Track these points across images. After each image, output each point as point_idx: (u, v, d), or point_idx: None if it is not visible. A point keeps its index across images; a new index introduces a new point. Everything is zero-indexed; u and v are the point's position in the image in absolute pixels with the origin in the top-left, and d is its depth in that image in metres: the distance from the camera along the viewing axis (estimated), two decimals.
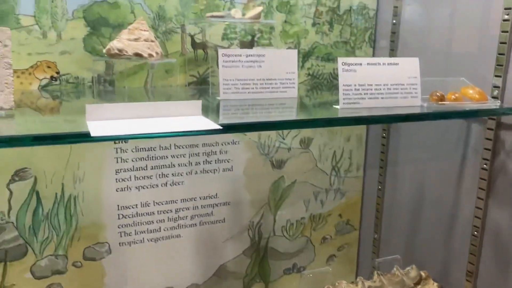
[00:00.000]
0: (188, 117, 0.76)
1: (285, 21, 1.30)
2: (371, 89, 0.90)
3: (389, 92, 0.92)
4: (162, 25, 1.17)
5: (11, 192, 1.11)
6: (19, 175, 1.12)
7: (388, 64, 0.92)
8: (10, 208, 1.12)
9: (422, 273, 1.19)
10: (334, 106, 0.92)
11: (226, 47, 1.25)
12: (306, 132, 1.40)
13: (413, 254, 1.34)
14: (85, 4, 1.09)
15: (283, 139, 1.38)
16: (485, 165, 1.06)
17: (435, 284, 1.17)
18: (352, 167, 1.49)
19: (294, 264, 1.48)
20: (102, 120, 0.69)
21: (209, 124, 0.70)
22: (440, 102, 0.93)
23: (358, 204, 1.53)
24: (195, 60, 1.24)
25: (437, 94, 0.94)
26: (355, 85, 0.89)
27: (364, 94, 0.90)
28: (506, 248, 1.04)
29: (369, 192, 1.50)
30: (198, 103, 0.78)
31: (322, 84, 1.38)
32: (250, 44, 1.27)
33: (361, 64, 0.89)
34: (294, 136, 1.39)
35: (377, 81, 0.90)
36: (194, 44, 1.22)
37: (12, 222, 1.13)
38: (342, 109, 0.88)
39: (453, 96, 0.94)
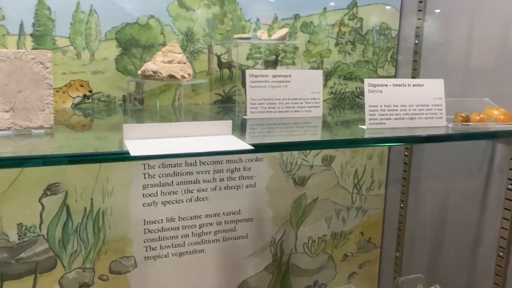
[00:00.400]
0: (219, 136, 0.79)
1: (309, 41, 1.33)
2: (397, 110, 0.92)
3: (414, 112, 0.94)
4: (190, 46, 1.21)
5: (43, 206, 1.15)
6: (51, 189, 1.16)
7: (413, 85, 0.93)
8: (41, 222, 1.16)
9: None
10: (360, 126, 0.93)
11: (251, 67, 1.28)
12: (328, 150, 1.41)
13: (436, 274, 1.33)
14: (117, 26, 1.14)
15: (305, 156, 1.40)
16: (510, 185, 1.05)
17: None
18: (374, 185, 1.50)
19: (315, 281, 1.48)
20: (139, 140, 0.72)
21: (242, 144, 0.73)
22: (465, 123, 0.94)
23: (379, 222, 1.53)
24: (221, 79, 1.27)
25: (462, 115, 0.95)
26: (381, 106, 0.91)
27: (390, 114, 0.92)
28: None
29: (391, 210, 1.50)
30: (228, 123, 0.80)
31: (345, 102, 1.40)
32: (274, 64, 1.30)
33: (387, 85, 0.91)
34: (316, 154, 1.41)
35: (402, 101, 0.92)
36: (220, 64, 1.26)
37: (43, 235, 1.16)
38: (368, 129, 0.90)
39: (478, 117, 0.95)
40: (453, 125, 0.94)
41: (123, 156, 0.64)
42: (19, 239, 1.14)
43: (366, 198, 1.49)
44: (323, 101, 1.34)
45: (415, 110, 0.93)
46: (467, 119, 0.94)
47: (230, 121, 0.81)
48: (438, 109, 0.94)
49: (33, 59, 0.80)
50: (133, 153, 0.64)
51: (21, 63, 0.79)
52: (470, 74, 1.21)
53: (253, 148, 0.71)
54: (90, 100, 1.15)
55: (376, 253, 1.55)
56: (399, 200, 1.45)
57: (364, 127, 0.91)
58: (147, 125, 0.73)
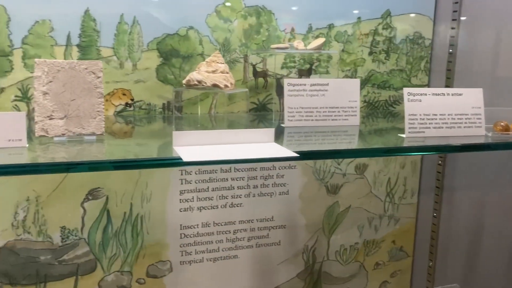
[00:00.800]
0: (263, 143, 0.81)
1: (343, 50, 1.35)
2: (436, 119, 0.93)
3: (453, 121, 0.94)
4: (227, 55, 1.24)
5: (84, 210, 1.19)
6: (92, 194, 1.20)
7: (452, 94, 0.94)
8: (83, 225, 1.20)
9: None
10: (399, 134, 0.94)
11: (285, 75, 1.30)
12: (361, 158, 1.42)
13: (471, 284, 1.32)
14: (158, 37, 1.18)
15: (338, 164, 1.41)
16: None
17: None
18: (407, 194, 1.49)
19: None
20: (188, 146, 0.75)
21: (287, 151, 0.75)
22: (505, 132, 0.94)
23: (412, 230, 1.52)
24: (256, 88, 1.30)
25: (502, 124, 0.95)
26: (420, 115, 0.91)
27: (429, 123, 0.92)
28: None
29: (423, 219, 1.49)
30: (271, 131, 0.83)
31: (378, 111, 1.41)
32: (308, 73, 1.32)
33: (426, 94, 0.92)
34: (349, 162, 1.42)
35: (441, 110, 0.93)
36: (255, 73, 1.29)
37: (84, 239, 1.21)
38: (407, 137, 0.91)
39: None
40: (493, 134, 0.94)
41: (176, 162, 0.67)
42: (62, 241, 1.19)
43: (399, 206, 1.49)
44: None
45: (454, 119, 0.94)
46: (507, 128, 0.94)
47: (273, 129, 0.83)
48: (477, 118, 0.95)
49: (86, 69, 0.84)
50: (185, 159, 0.67)
51: (74, 73, 0.83)
52: (507, 82, 1.21)
53: (298, 155, 0.73)
54: (131, 108, 1.19)
55: (408, 262, 1.54)
56: (432, 209, 1.45)
57: (403, 135, 0.92)
58: (195, 132, 0.76)
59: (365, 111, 1.40)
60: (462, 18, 1.36)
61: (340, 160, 1.41)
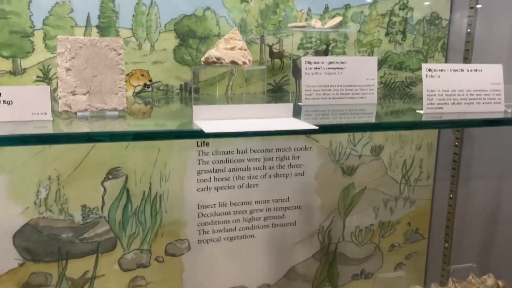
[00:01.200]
0: (282, 119, 0.82)
1: (359, 31, 1.34)
2: (454, 95, 0.92)
3: (472, 98, 0.94)
4: (244, 36, 1.25)
5: (104, 189, 1.22)
6: (112, 173, 1.22)
7: (471, 70, 0.94)
8: (103, 204, 1.22)
9: (500, 282, 1.17)
10: (417, 111, 0.94)
11: (302, 56, 1.30)
12: (377, 140, 1.42)
13: (487, 265, 1.32)
14: (176, 18, 1.19)
15: (354, 146, 1.41)
16: None
17: None
18: (422, 176, 1.49)
19: (362, 270, 1.49)
20: (208, 120, 0.76)
21: (306, 124, 0.75)
22: None
23: (427, 213, 1.52)
24: (272, 69, 1.30)
25: None
26: (438, 91, 0.91)
27: (448, 99, 0.92)
28: None
29: (439, 201, 1.49)
30: (289, 106, 0.83)
31: (395, 92, 1.40)
32: (324, 53, 1.32)
33: (444, 70, 0.92)
34: (365, 144, 1.42)
35: (460, 87, 0.92)
36: (271, 54, 1.29)
37: (105, 217, 1.23)
38: (426, 113, 0.91)
39: None
40: None
41: (198, 134, 0.68)
42: (82, 220, 1.22)
43: (414, 188, 1.49)
44: None
45: (473, 95, 0.94)
46: None
47: (291, 104, 0.84)
48: (496, 94, 0.94)
49: (107, 46, 0.86)
50: (207, 130, 0.68)
51: (96, 50, 0.85)
52: None
53: (317, 128, 0.74)
54: (150, 89, 1.20)
55: (424, 244, 1.54)
56: (448, 190, 1.44)
57: (421, 111, 0.92)
58: (215, 107, 0.77)
59: (382, 92, 1.39)
60: None
61: (356, 141, 1.41)
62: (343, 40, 1.33)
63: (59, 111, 0.84)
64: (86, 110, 0.84)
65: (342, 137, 1.39)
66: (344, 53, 1.34)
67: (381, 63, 1.38)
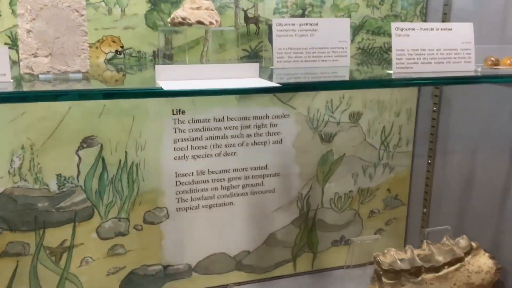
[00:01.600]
0: (247, 79, 0.81)
1: None
2: (424, 54, 0.92)
3: (442, 57, 0.93)
4: (217, 0, 1.22)
5: (79, 158, 1.21)
6: (87, 142, 1.21)
7: (441, 29, 0.93)
8: (78, 173, 1.22)
9: (473, 244, 1.19)
10: (387, 71, 0.94)
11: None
12: (355, 107, 1.42)
13: (463, 228, 1.34)
14: None
15: (332, 113, 1.41)
16: None
17: (486, 254, 1.17)
18: (402, 142, 1.49)
19: (342, 236, 1.51)
20: (171, 80, 0.75)
21: (268, 83, 0.75)
22: (494, 67, 0.93)
23: (407, 179, 1.53)
24: (247, 34, 1.29)
25: (492, 59, 0.93)
26: (408, 50, 0.90)
27: (417, 59, 0.91)
28: None
29: (418, 167, 1.50)
30: (255, 66, 0.82)
31: (373, 58, 1.39)
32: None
33: (414, 29, 0.91)
34: (343, 111, 1.42)
35: (430, 46, 0.92)
36: (246, 19, 1.27)
37: (81, 186, 1.23)
38: (395, 73, 0.90)
39: (508, 61, 0.94)
40: (482, 69, 0.93)
41: (156, 92, 0.67)
42: (58, 189, 1.21)
43: (394, 155, 1.50)
44: (350, 56, 1.34)
45: (443, 54, 0.93)
46: (496, 63, 0.93)
47: (257, 64, 0.83)
48: (467, 53, 0.93)
49: (69, 6, 0.84)
50: (166, 88, 0.67)
51: (57, 11, 0.83)
52: (503, 28, 1.19)
53: (279, 85, 0.73)
54: (122, 56, 1.19)
55: (403, 210, 1.56)
56: (427, 156, 1.45)
57: (390, 71, 0.91)
58: (178, 66, 0.76)
59: (360, 58, 1.38)
60: None
61: (334, 108, 1.40)
62: (319, 5, 1.31)
63: (21, 74, 0.82)
64: (48, 72, 0.83)
65: (320, 104, 1.39)
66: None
67: (358, 29, 1.36)
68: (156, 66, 0.75)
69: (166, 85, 0.69)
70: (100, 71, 1.14)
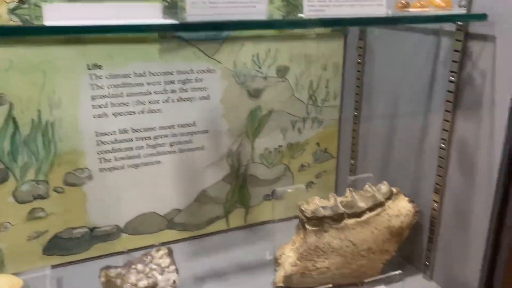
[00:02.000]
0: (148, 19, 0.77)
1: None
2: None
3: (354, 0, 0.92)
4: None
5: None
6: None
7: None
8: None
9: (394, 189, 1.23)
10: (299, 14, 0.92)
11: None
12: (282, 61, 1.41)
13: (386, 175, 1.38)
14: None
15: (259, 68, 1.39)
16: (452, 78, 1.07)
17: (406, 198, 1.22)
18: (329, 96, 1.51)
19: (273, 190, 1.52)
20: (60, 20, 0.70)
21: (168, 21, 0.71)
22: (405, 9, 0.93)
23: (335, 132, 1.56)
24: None
25: (402, 2, 0.94)
26: None
27: (329, 2, 0.90)
28: (472, 159, 1.08)
29: (346, 121, 1.52)
30: (158, 6, 0.78)
31: (297, 9, 1.37)
32: None
33: None
34: (270, 65, 1.40)
35: None
36: None
37: None
38: (307, 16, 0.89)
39: (418, 4, 0.95)
40: (393, 11, 0.93)
41: (38, 28, 0.62)
42: None
43: (322, 109, 1.51)
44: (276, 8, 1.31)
45: None
46: (407, 6, 0.94)
47: (161, 4, 0.78)
48: None
49: None
50: (48, 23, 0.62)
51: None
52: None
53: (178, 23, 0.69)
54: (26, 6, 1.10)
55: (333, 163, 1.59)
56: (353, 109, 1.47)
57: (302, 15, 0.90)
58: (69, 5, 0.71)
59: (285, 10, 1.36)
60: None
61: (261, 62, 1.39)
62: None
63: None
64: None
65: (247, 58, 1.36)
66: None
67: None
68: (44, 6, 0.70)
69: (50, 22, 0.64)
70: (2, 22, 1.06)
